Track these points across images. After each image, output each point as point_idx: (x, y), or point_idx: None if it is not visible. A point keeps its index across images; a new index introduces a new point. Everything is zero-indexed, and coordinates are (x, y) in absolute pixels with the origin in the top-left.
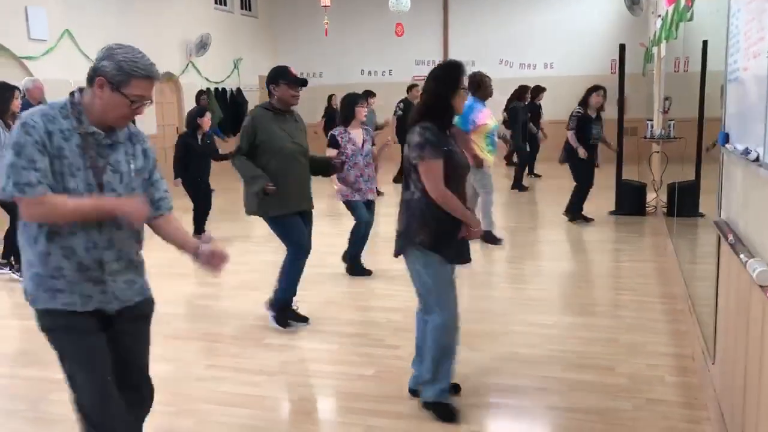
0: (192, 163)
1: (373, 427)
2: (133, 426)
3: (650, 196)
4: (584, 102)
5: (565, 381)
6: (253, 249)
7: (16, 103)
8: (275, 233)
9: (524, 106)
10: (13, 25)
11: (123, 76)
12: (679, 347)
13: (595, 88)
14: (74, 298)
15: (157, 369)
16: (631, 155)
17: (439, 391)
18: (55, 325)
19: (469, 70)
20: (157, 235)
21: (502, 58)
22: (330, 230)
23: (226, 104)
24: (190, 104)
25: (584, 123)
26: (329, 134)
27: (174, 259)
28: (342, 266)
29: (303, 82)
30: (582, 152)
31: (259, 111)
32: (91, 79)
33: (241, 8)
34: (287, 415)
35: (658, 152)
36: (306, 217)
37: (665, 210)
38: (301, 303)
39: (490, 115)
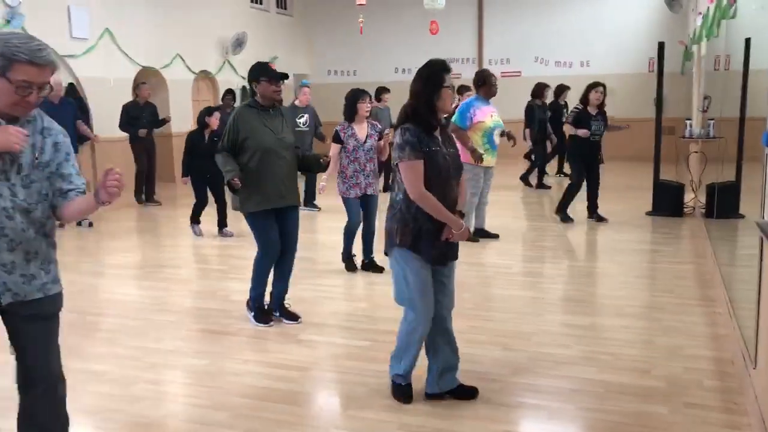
0: (197, 161)
1: (407, 424)
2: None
3: (688, 197)
4: (584, 99)
5: (600, 383)
6: None
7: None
8: (250, 229)
9: (541, 104)
10: (56, 24)
11: (5, 61)
12: (718, 351)
13: (594, 85)
14: None
15: (193, 363)
16: (668, 155)
17: (396, 374)
18: None
19: (505, 68)
20: (69, 220)
21: (538, 56)
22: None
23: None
24: None
25: (582, 119)
26: (334, 130)
27: (213, 256)
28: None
29: (284, 76)
30: (583, 132)
31: (243, 109)
32: None
33: (277, 7)
34: (321, 411)
35: (696, 152)
36: (288, 213)
37: (704, 211)
38: (334, 299)
39: (490, 113)
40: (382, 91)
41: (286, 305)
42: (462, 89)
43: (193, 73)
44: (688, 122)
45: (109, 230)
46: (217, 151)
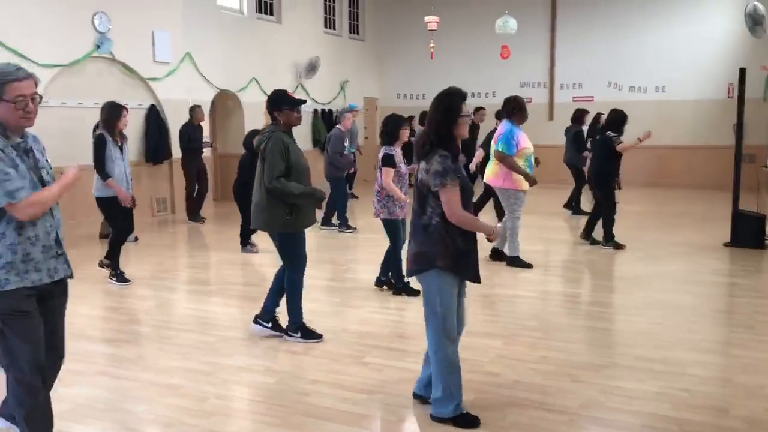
0: (247, 184)
1: None
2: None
3: None
4: (619, 131)
5: (675, 420)
6: (353, 267)
7: (123, 121)
8: (283, 249)
9: (579, 129)
10: (141, 48)
11: None
12: None
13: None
14: (42, 275)
15: (261, 380)
16: (749, 185)
17: (456, 405)
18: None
19: (577, 92)
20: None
21: (611, 81)
22: None
23: (332, 125)
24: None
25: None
26: (385, 154)
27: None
28: None
29: (303, 102)
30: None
31: (281, 136)
32: None
33: (349, 32)
34: None
35: None
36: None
37: None
38: (398, 322)
39: (527, 139)
40: (411, 119)
41: (276, 317)
42: (500, 114)
43: (267, 96)
44: None
45: (165, 244)
46: (272, 179)
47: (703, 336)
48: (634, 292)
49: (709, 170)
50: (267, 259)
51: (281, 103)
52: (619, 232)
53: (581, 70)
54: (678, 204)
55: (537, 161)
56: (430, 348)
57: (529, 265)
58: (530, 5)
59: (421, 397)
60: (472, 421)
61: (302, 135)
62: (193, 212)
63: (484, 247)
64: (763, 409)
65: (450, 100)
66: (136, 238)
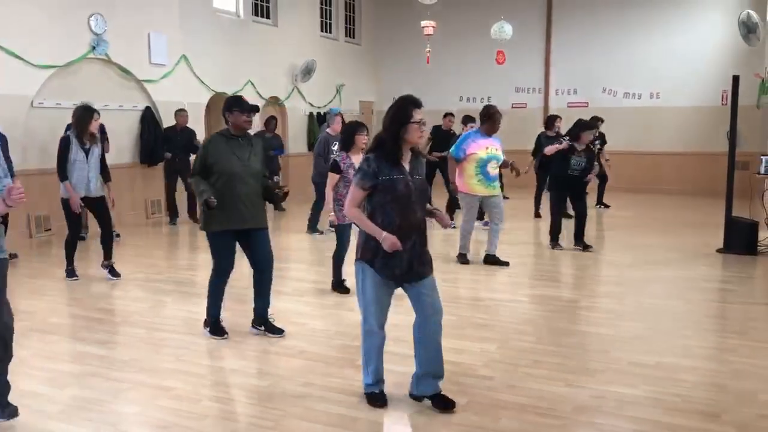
0: None
1: None
2: None
3: (762, 235)
4: (576, 137)
5: (667, 425)
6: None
7: (95, 125)
8: (209, 248)
9: (555, 135)
10: (137, 50)
11: None
12: None
13: (588, 127)
14: None
15: (255, 383)
16: (742, 191)
17: (366, 384)
18: None
19: (572, 98)
20: None
21: (606, 87)
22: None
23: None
24: (294, 128)
25: (567, 154)
26: (332, 159)
27: (275, 278)
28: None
29: (255, 108)
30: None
31: (214, 137)
32: None
33: (345, 36)
34: None
35: None
36: (256, 235)
37: None
38: (394, 325)
39: (486, 146)
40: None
41: (270, 319)
42: (466, 119)
43: (263, 99)
44: (763, 158)
45: (157, 246)
46: (191, 174)
47: (696, 342)
48: (627, 297)
49: (702, 177)
50: None
51: (232, 105)
52: (613, 237)
53: (576, 76)
54: (671, 210)
55: (513, 168)
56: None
57: (467, 262)
58: (526, 11)
59: (416, 397)
60: (378, 399)
61: (298, 138)
62: (173, 214)
63: (479, 252)
64: (755, 414)
65: (400, 105)
66: (118, 235)
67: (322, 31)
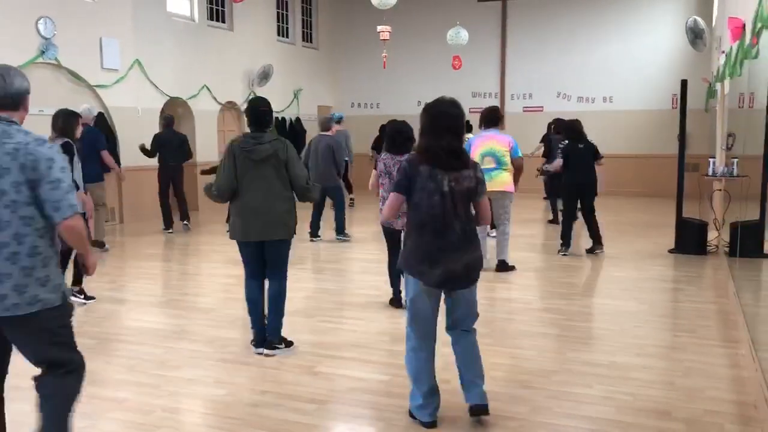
0: None
1: None
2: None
3: (711, 235)
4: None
5: (619, 424)
6: (305, 276)
7: (79, 129)
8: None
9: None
10: (88, 55)
11: None
12: (740, 394)
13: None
14: None
15: (211, 392)
16: (691, 193)
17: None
18: None
19: (527, 103)
20: None
21: (560, 91)
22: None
23: (285, 133)
24: None
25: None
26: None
27: (231, 284)
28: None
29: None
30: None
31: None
32: None
33: (303, 40)
34: None
35: (720, 190)
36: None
37: (727, 250)
38: (352, 331)
39: (478, 146)
40: None
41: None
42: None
43: (219, 104)
44: (711, 160)
45: (132, 255)
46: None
47: (648, 341)
48: (583, 298)
49: (655, 179)
50: (223, 270)
51: None
52: (572, 240)
53: (531, 81)
54: (627, 212)
55: None
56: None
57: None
58: (481, 17)
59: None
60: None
61: None
62: (168, 222)
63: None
64: (703, 410)
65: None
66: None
67: (279, 35)
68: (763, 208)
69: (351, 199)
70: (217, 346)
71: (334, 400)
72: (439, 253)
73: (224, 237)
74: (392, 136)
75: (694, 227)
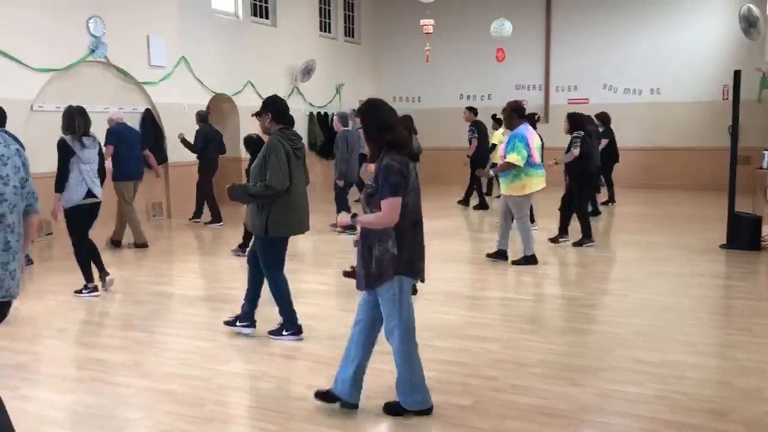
0: None
1: None
2: None
3: (766, 230)
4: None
5: (673, 424)
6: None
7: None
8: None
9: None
10: (136, 52)
11: None
12: None
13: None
14: None
15: (259, 386)
16: (744, 186)
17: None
18: None
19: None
20: None
21: (606, 83)
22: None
23: (327, 128)
24: (295, 128)
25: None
26: None
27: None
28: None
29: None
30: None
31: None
32: None
33: (345, 35)
34: None
35: None
36: None
37: None
38: None
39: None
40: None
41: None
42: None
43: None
44: (766, 153)
45: (160, 249)
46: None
47: (700, 338)
48: (630, 294)
49: (704, 172)
50: None
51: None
52: (614, 234)
53: (576, 73)
54: (673, 206)
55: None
56: None
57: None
58: (525, 8)
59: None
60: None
61: None
62: (216, 216)
63: (482, 248)
64: (762, 412)
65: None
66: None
67: (321, 30)
68: None
69: None
70: (265, 340)
71: (382, 396)
72: (423, 247)
73: None
74: None
75: (747, 222)
